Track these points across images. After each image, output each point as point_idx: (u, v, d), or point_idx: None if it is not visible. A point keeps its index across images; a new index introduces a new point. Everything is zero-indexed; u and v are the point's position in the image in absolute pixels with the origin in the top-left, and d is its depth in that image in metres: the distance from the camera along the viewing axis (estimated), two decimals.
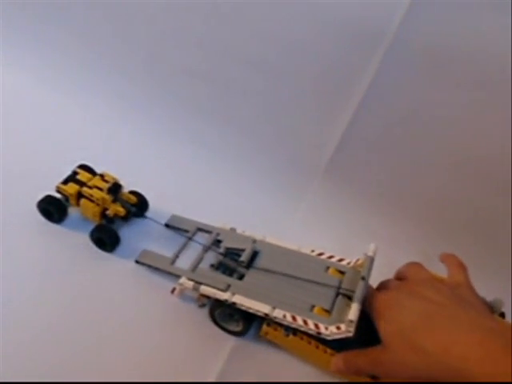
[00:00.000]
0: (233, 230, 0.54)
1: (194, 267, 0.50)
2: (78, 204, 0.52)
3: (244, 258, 0.48)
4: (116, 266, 0.51)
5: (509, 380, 0.31)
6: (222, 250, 0.50)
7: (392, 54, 0.54)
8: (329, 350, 0.44)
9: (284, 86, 0.61)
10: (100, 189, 0.51)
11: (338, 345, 0.43)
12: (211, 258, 0.51)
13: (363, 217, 0.61)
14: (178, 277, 0.48)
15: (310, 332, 0.43)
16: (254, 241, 0.51)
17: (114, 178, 0.53)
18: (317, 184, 0.62)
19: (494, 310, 0.44)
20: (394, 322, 0.39)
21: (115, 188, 0.52)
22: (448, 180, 0.58)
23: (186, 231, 0.54)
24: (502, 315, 0.46)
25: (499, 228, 0.57)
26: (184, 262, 0.51)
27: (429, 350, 0.35)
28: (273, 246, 0.51)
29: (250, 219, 0.57)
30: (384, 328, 0.39)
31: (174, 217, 0.56)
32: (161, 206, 0.57)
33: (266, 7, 0.57)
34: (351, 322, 0.40)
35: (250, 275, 0.48)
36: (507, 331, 0.35)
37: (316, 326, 0.42)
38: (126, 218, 0.53)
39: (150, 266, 0.50)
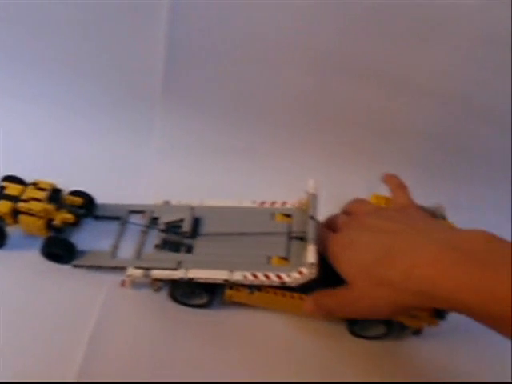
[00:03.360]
0: (167, 202, 0.50)
1: (138, 253, 0.46)
2: (16, 222, 0.46)
3: (186, 228, 0.46)
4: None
5: (471, 291, 0.32)
6: (162, 227, 0.47)
7: None
8: (296, 295, 0.44)
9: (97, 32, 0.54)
10: (38, 200, 0.45)
11: (303, 288, 0.43)
12: (154, 238, 0.48)
13: (215, 130, 0.59)
14: (125, 269, 0.45)
15: (274, 284, 0.42)
16: (192, 208, 0.48)
17: (50, 184, 0.46)
18: (159, 109, 0.59)
19: (437, 216, 0.46)
20: (353, 263, 0.38)
21: (55, 194, 0.46)
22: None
23: (118, 218, 0.50)
24: (443, 218, 0.48)
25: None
26: (126, 251, 0.48)
27: (393, 279, 0.35)
28: (213, 208, 0.49)
29: (108, 164, 0.56)
30: (345, 270, 0.39)
31: (101, 206, 0.51)
32: None
33: None
34: (312, 264, 0.39)
35: (198, 245, 0.46)
36: (463, 242, 0.35)
37: (278, 277, 0.42)
38: (75, 223, 0.48)
39: (90, 267, 0.47)
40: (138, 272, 0.44)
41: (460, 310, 0.34)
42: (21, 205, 0.44)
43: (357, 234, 0.40)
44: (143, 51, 0.53)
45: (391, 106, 0.55)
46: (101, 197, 0.51)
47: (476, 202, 0.62)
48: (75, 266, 0.47)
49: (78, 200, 0.49)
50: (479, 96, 0.53)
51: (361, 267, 0.38)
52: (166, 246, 0.46)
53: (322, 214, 0.47)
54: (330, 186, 0.50)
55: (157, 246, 0.46)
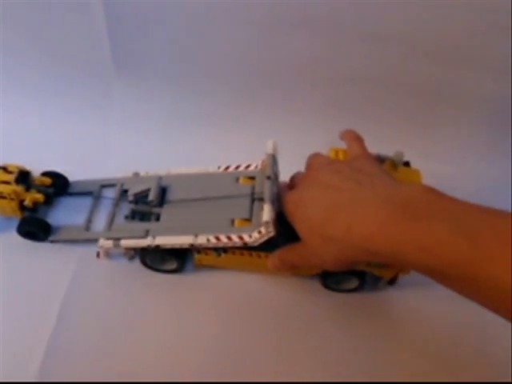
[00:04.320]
0: (136, 174, 0.52)
1: (110, 225, 0.48)
2: None
3: (152, 196, 0.47)
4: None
5: (405, 245, 0.32)
6: (131, 198, 0.48)
7: None
8: (262, 254, 0.45)
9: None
10: (7, 182, 0.47)
11: (270, 247, 0.43)
12: (125, 210, 0.49)
13: (173, 98, 0.59)
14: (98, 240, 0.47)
15: (237, 245, 0.43)
16: (160, 178, 0.49)
17: (17, 167, 0.48)
18: (115, 82, 0.59)
19: (396, 163, 0.46)
20: (303, 220, 0.39)
21: (23, 176, 0.48)
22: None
23: (91, 193, 0.52)
24: (407, 164, 0.47)
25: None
26: (100, 224, 0.50)
27: (335, 236, 0.36)
28: (179, 176, 0.50)
29: (75, 141, 0.57)
30: (297, 226, 0.40)
31: (74, 183, 0.53)
32: None
33: None
34: (267, 223, 0.40)
35: (166, 213, 0.47)
36: (401, 197, 0.34)
37: (240, 237, 0.43)
38: (49, 202, 0.50)
39: (65, 241, 0.49)
40: (109, 242, 0.46)
41: (402, 265, 0.34)
42: None
43: (307, 190, 0.40)
44: (86, 29, 0.53)
45: (349, 55, 0.53)
46: (72, 174, 0.53)
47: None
48: (52, 242, 0.49)
49: (47, 180, 0.50)
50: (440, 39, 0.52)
51: (309, 224, 0.38)
52: (136, 216, 0.48)
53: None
54: (296, 144, 0.50)
55: (127, 217, 0.48)
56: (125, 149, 0.57)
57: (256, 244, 0.42)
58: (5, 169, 0.48)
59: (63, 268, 0.48)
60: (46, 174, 0.51)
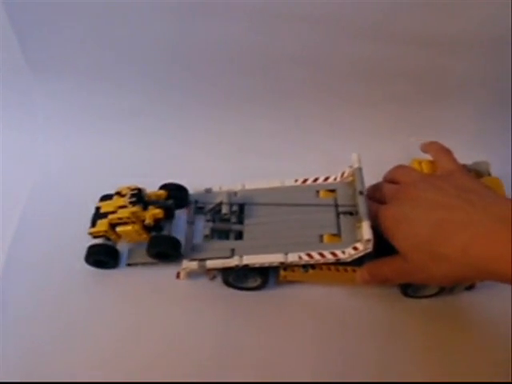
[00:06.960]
0: (208, 190, 0.50)
1: (190, 245, 0.47)
2: (118, 236, 0.46)
3: (225, 210, 0.45)
4: None
5: None
6: (208, 217, 0.47)
7: None
8: (349, 268, 0.45)
9: None
10: (123, 206, 0.45)
11: (357, 261, 0.43)
12: (201, 228, 0.48)
13: (96, 92, 0.57)
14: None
15: (330, 261, 0.43)
16: (235, 193, 0.48)
17: (128, 187, 0.46)
18: (37, 87, 0.56)
19: (482, 173, 0.45)
20: (407, 237, 0.39)
21: (137, 196, 0.45)
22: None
23: None
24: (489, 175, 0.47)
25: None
26: None
27: (450, 255, 0.36)
28: (255, 191, 0.49)
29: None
30: (399, 244, 0.39)
31: None
32: None
33: None
34: (368, 240, 0.40)
35: (248, 230, 0.46)
36: None
37: (333, 254, 0.42)
38: (170, 217, 0.47)
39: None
40: (194, 264, 0.45)
41: None
42: (111, 217, 0.45)
43: (409, 208, 0.39)
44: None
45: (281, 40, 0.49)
46: None
47: None
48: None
49: (162, 193, 0.48)
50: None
51: (416, 242, 0.38)
52: (215, 234, 0.47)
53: None
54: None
55: (206, 236, 0.46)
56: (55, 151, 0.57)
57: (349, 260, 0.42)
58: (119, 193, 0.46)
59: None
60: (164, 186, 0.49)
